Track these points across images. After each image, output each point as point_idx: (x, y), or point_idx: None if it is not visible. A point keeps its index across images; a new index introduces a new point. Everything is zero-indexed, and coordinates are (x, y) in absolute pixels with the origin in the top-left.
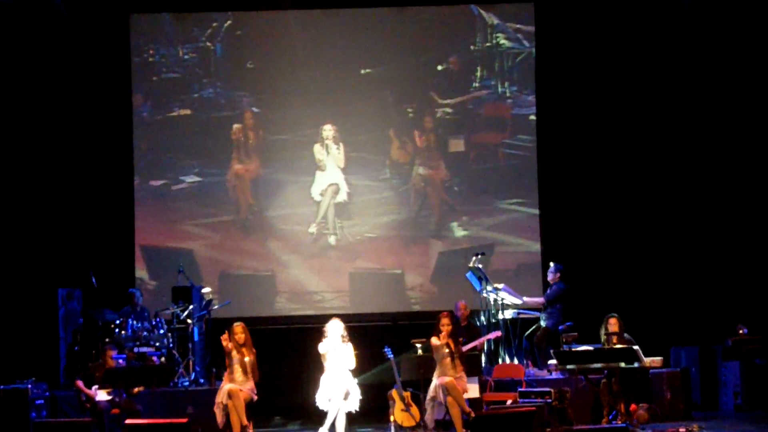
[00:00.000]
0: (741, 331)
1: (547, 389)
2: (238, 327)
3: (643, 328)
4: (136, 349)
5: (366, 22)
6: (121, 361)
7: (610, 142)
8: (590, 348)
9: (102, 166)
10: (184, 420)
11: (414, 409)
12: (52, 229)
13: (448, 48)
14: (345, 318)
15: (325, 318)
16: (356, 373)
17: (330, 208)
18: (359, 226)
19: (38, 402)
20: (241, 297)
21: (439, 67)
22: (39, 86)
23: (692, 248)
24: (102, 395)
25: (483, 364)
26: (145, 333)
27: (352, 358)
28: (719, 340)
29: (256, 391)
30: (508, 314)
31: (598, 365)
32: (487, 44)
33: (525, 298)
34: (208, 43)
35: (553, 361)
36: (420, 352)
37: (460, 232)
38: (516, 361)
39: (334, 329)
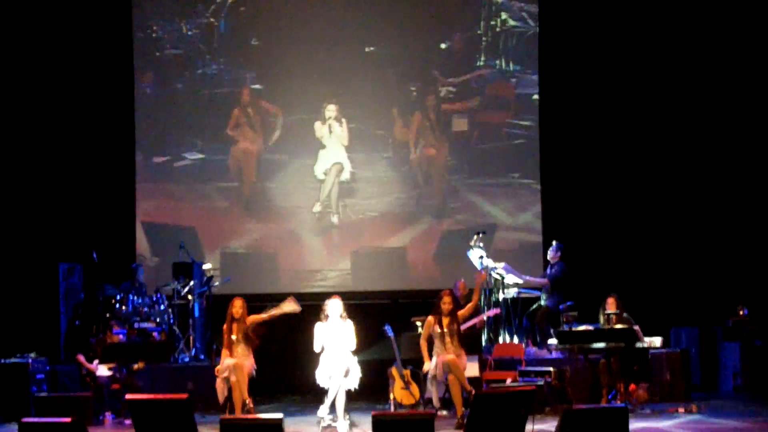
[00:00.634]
0: (741, 312)
1: (547, 368)
2: (237, 301)
3: (643, 308)
4: (136, 325)
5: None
6: (121, 336)
7: (613, 122)
8: (590, 327)
9: (104, 142)
10: (184, 396)
11: (414, 387)
12: (53, 205)
13: (452, 26)
14: (345, 296)
15: (327, 296)
16: (356, 351)
17: (334, 187)
18: (362, 205)
19: (39, 376)
20: (243, 274)
21: (443, 46)
22: (41, 62)
23: (693, 229)
24: (103, 370)
25: (483, 343)
26: (145, 309)
27: (353, 337)
28: (719, 321)
29: (255, 368)
30: (509, 293)
31: (598, 345)
32: (492, 23)
33: (526, 277)
34: (212, 19)
35: (553, 341)
36: (420, 330)
37: (462, 212)
38: (516, 340)
39: (334, 308)
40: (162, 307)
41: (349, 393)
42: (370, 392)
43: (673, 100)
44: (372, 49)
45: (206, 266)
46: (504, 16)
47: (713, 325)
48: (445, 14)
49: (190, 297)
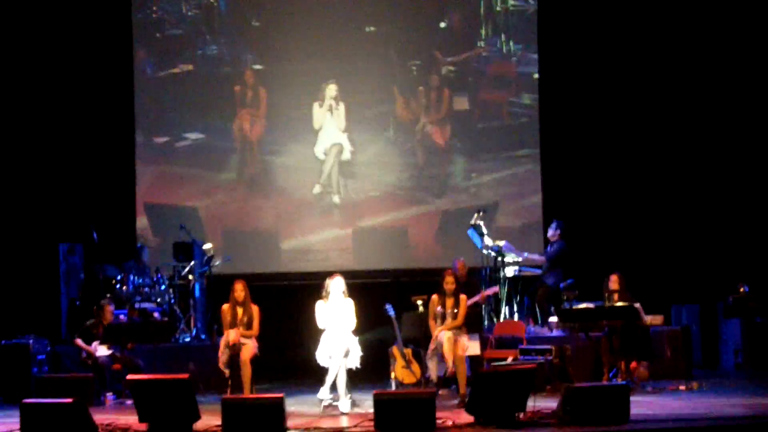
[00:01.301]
0: (742, 289)
1: (548, 347)
2: (238, 284)
3: (644, 285)
4: (137, 305)
5: None
6: (122, 317)
7: (614, 100)
8: (591, 305)
9: (104, 122)
10: (185, 376)
11: (415, 366)
12: (53, 184)
13: (451, 6)
14: (346, 275)
15: (327, 275)
16: (357, 330)
17: (334, 167)
18: (363, 184)
19: (39, 357)
20: (245, 254)
21: (442, 25)
22: (41, 42)
23: (694, 206)
24: (102, 351)
25: (484, 322)
26: (146, 289)
27: (353, 317)
28: (720, 298)
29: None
30: (510, 272)
31: (599, 323)
32: (492, 1)
33: (526, 254)
34: (212, 0)
35: (553, 319)
36: (421, 309)
37: (463, 191)
38: (517, 319)
39: (336, 287)
40: (162, 287)
41: (350, 372)
42: (371, 371)
43: (673, 78)
44: (372, 29)
45: (206, 246)
46: None
47: (714, 302)
48: None
49: (190, 277)
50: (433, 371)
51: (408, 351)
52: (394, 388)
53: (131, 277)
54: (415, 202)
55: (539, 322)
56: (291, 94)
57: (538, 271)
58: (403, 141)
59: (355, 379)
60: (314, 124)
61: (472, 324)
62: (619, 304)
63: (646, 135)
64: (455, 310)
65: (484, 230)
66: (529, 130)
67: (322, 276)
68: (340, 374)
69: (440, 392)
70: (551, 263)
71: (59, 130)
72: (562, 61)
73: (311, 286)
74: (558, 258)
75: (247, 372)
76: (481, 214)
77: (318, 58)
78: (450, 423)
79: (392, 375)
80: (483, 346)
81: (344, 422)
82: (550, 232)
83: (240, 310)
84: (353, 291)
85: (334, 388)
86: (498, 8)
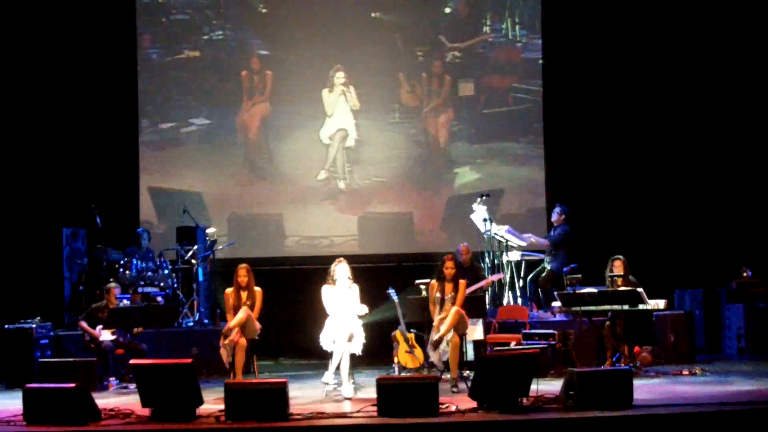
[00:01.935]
0: (745, 274)
1: (551, 331)
2: (242, 270)
3: (647, 270)
4: (140, 289)
5: None
6: (125, 301)
7: (618, 86)
8: (594, 290)
9: (108, 108)
10: (189, 360)
11: (418, 351)
12: (57, 169)
13: None
14: (351, 260)
15: (331, 259)
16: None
17: (339, 153)
18: (368, 170)
19: (43, 342)
20: (250, 239)
21: (447, 10)
22: (46, 29)
23: (697, 191)
24: (106, 335)
25: (487, 306)
26: (149, 273)
27: (359, 302)
28: (723, 283)
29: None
30: (513, 256)
31: (602, 307)
32: None
33: (529, 237)
34: None
35: (557, 303)
36: (424, 293)
37: (468, 176)
38: (520, 303)
39: (342, 272)
40: (166, 271)
41: (353, 356)
42: (374, 356)
43: (678, 64)
44: (378, 14)
45: (210, 230)
46: None
47: (717, 287)
48: None
49: (194, 261)
50: (437, 357)
51: (411, 335)
52: (397, 372)
53: (134, 262)
54: (420, 187)
55: (542, 306)
56: (297, 80)
57: (542, 256)
58: (409, 126)
59: (358, 363)
60: (326, 110)
61: (475, 309)
62: (623, 288)
63: (650, 120)
64: (454, 295)
65: (488, 214)
66: (534, 116)
67: (327, 261)
68: (344, 359)
69: (443, 377)
70: (555, 247)
71: (64, 116)
72: (567, 47)
73: (315, 270)
74: (561, 242)
75: (240, 357)
76: (484, 198)
77: (324, 44)
78: (453, 408)
79: (395, 359)
80: (486, 331)
81: (347, 407)
82: (554, 217)
83: (244, 294)
84: (357, 275)
85: (337, 372)
86: None
